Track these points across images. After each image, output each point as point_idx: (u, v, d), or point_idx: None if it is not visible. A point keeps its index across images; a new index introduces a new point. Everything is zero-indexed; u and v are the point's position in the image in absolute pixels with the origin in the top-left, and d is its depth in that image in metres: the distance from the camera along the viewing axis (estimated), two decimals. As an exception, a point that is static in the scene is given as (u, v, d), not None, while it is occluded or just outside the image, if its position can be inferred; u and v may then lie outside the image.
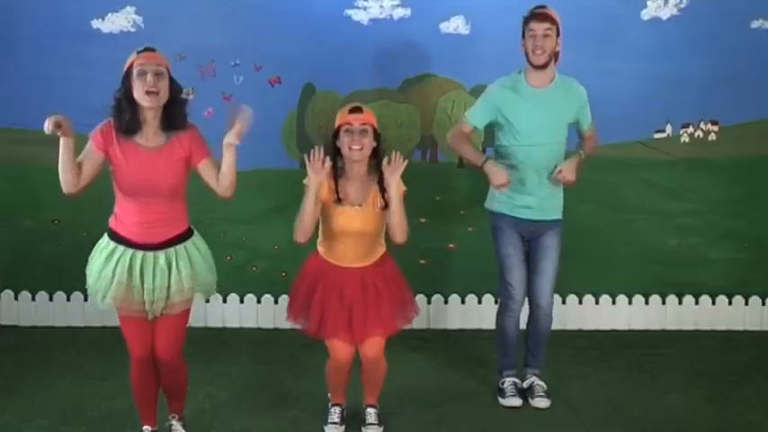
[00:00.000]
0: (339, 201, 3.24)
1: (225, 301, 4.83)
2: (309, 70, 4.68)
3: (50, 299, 4.86)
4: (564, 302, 4.83)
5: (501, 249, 3.76)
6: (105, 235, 3.08)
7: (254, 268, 4.84)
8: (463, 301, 4.88)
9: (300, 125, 4.76)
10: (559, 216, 3.77)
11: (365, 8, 4.62)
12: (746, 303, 4.86)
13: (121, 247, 3.01)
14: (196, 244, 3.11)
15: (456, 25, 4.63)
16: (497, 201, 3.76)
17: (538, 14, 3.60)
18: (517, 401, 3.76)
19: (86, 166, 3.01)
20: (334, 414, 3.51)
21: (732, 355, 4.42)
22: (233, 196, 3.07)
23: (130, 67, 2.94)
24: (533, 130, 3.62)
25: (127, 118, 2.95)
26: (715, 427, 3.54)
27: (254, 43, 4.63)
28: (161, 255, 3.00)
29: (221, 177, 3.02)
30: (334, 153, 3.27)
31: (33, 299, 4.86)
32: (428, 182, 4.72)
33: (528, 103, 3.63)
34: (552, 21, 3.58)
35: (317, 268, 3.37)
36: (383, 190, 3.24)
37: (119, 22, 4.62)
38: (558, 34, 3.61)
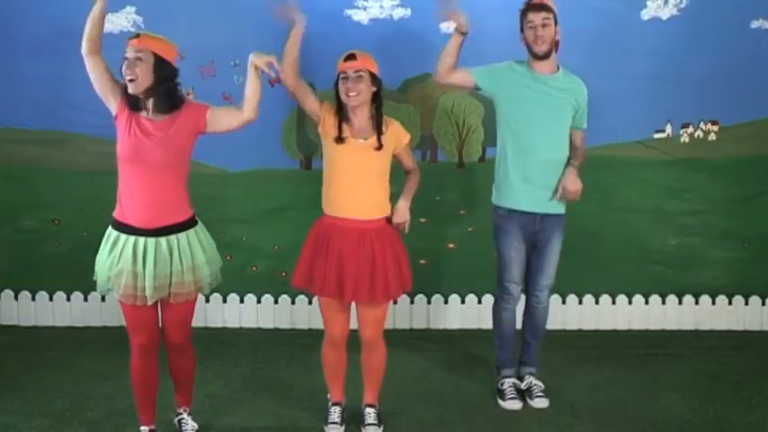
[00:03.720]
0: (341, 140, 3.29)
1: (225, 301, 4.83)
2: (309, 70, 4.66)
3: (50, 299, 4.86)
4: (564, 302, 4.83)
5: (501, 248, 3.76)
6: (110, 226, 3.16)
7: (254, 268, 4.84)
8: (463, 301, 4.88)
9: (300, 125, 4.76)
10: (562, 211, 3.73)
11: (365, 8, 4.61)
12: (746, 303, 4.87)
13: (124, 236, 3.08)
14: (198, 234, 3.18)
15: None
16: (503, 194, 3.71)
17: (534, 5, 3.59)
18: (517, 405, 3.75)
19: (106, 71, 3.11)
20: (335, 414, 3.51)
21: (732, 355, 4.42)
22: (256, 117, 3.20)
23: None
24: (536, 113, 3.60)
25: (127, 97, 3.07)
26: (715, 427, 3.55)
27: (254, 43, 4.60)
28: (162, 241, 3.06)
29: (247, 101, 3.17)
30: (338, 102, 3.36)
31: (33, 299, 4.86)
32: (428, 182, 4.69)
33: (532, 85, 3.62)
34: (549, 9, 3.58)
35: (319, 231, 3.37)
36: (380, 133, 3.32)
37: (119, 22, 4.61)
38: (555, 22, 3.60)
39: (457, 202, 4.80)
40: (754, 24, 4.63)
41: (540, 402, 3.76)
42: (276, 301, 4.86)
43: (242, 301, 4.86)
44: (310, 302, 4.81)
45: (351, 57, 3.29)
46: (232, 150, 4.63)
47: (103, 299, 4.83)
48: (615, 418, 3.64)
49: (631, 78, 4.58)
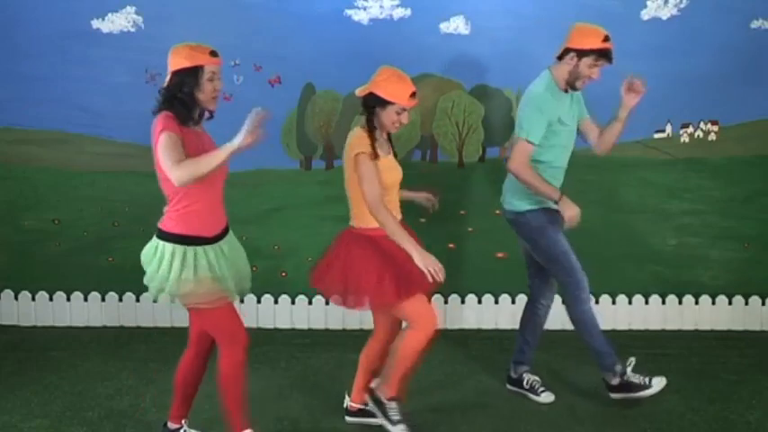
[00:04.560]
0: (377, 156, 3.24)
1: (225, 301, 4.83)
2: (309, 70, 4.68)
3: (50, 299, 4.86)
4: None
5: (556, 240, 3.70)
6: (163, 244, 2.97)
7: (254, 268, 4.80)
8: (463, 302, 4.88)
9: (300, 125, 4.76)
10: None
11: (365, 8, 4.62)
12: (746, 303, 4.86)
13: (200, 248, 2.97)
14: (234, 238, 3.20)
15: (456, 25, 4.63)
16: (530, 199, 3.69)
17: (611, 55, 3.56)
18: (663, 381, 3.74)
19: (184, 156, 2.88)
20: (397, 411, 3.37)
21: (732, 355, 4.42)
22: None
23: (200, 66, 2.91)
24: (571, 129, 3.71)
25: (191, 112, 2.95)
26: (715, 427, 3.54)
27: (254, 43, 4.63)
28: (224, 245, 3.06)
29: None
30: (369, 114, 3.28)
31: (33, 299, 4.86)
32: (428, 182, 4.71)
33: (568, 103, 3.68)
34: None
35: (378, 244, 3.26)
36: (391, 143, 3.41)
37: (119, 22, 4.62)
38: None
39: (457, 202, 4.79)
40: (754, 24, 4.63)
41: (548, 397, 3.80)
42: (276, 301, 4.86)
43: (242, 302, 4.85)
44: (310, 302, 4.81)
45: (415, 95, 3.27)
46: (232, 150, 4.63)
47: (103, 299, 4.84)
48: (615, 418, 3.63)
49: (631, 78, 4.58)
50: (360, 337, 4.40)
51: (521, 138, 3.56)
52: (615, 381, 3.75)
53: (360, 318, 4.76)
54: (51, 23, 4.63)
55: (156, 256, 2.98)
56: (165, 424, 3.33)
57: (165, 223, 2.99)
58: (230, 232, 3.15)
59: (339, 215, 4.83)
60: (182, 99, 2.91)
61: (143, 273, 3.08)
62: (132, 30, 4.62)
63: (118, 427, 3.50)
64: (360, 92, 3.29)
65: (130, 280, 4.78)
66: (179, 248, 2.94)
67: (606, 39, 3.55)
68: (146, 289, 3.01)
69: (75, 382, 3.99)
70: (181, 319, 4.78)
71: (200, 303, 2.99)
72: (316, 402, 3.75)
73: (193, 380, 3.27)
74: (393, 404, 3.37)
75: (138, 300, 4.80)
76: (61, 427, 3.50)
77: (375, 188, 3.18)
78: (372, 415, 3.51)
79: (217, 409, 3.70)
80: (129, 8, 4.61)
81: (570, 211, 3.52)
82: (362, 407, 3.56)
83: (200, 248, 2.96)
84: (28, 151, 4.77)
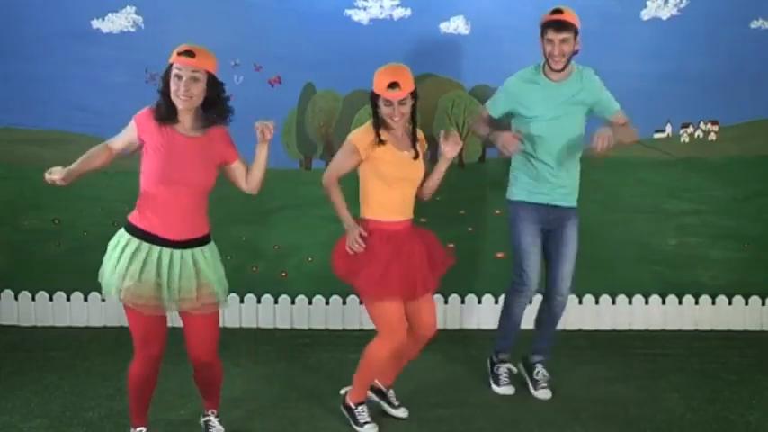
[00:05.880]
0: (382, 142, 3.27)
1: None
2: (309, 70, 4.68)
3: (50, 299, 4.86)
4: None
5: (520, 237, 3.76)
6: (123, 231, 3.02)
7: (254, 268, 4.84)
8: (463, 301, 4.88)
9: (300, 125, 4.77)
10: (575, 205, 3.81)
11: (365, 8, 4.62)
12: (746, 303, 4.87)
13: (147, 245, 2.97)
14: (213, 250, 3.14)
15: (456, 25, 4.63)
16: (518, 189, 3.78)
17: (555, 23, 3.55)
18: (511, 390, 3.86)
19: (118, 145, 3.08)
20: (365, 413, 3.48)
21: (732, 355, 4.43)
22: (259, 192, 3.23)
23: (170, 64, 2.96)
24: (551, 118, 3.65)
25: (163, 110, 2.98)
26: (715, 427, 3.54)
27: (254, 43, 4.63)
28: (187, 253, 3.01)
29: (253, 176, 3.19)
30: (375, 108, 3.31)
31: (33, 299, 4.86)
32: (428, 182, 4.72)
33: (546, 93, 3.66)
34: (569, 28, 3.55)
35: (378, 236, 3.34)
36: (415, 140, 3.38)
37: (119, 22, 4.62)
38: (576, 34, 3.59)
39: (457, 202, 4.79)
40: (754, 24, 4.63)
41: (544, 394, 3.82)
42: (276, 301, 4.86)
43: (242, 301, 4.86)
44: (310, 302, 4.82)
45: (395, 85, 3.20)
46: (232, 150, 4.63)
47: (103, 299, 4.84)
48: (615, 417, 3.64)
49: (631, 78, 4.58)
50: (360, 336, 4.41)
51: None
52: (494, 367, 3.96)
53: (360, 318, 4.77)
54: (51, 23, 4.63)
55: (113, 244, 3.03)
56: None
57: (132, 215, 3.04)
58: (204, 253, 3.06)
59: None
60: (163, 94, 2.98)
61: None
62: (132, 30, 4.62)
63: (118, 427, 3.50)
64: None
65: (130, 280, 4.81)
66: (135, 240, 2.97)
67: (555, 11, 3.59)
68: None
69: (76, 382, 3.99)
70: (180, 319, 4.78)
71: (129, 301, 2.97)
72: (316, 403, 3.75)
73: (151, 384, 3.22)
74: (360, 408, 3.49)
75: (138, 300, 4.80)
76: (61, 427, 3.50)
77: (336, 169, 3.35)
78: (388, 402, 3.65)
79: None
80: (129, 8, 4.61)
81: (503, 141, 3.63)
82: (382, 388, 3.66)
83: (156, 247, 2.96)
84: (28, 151, 4.77)
